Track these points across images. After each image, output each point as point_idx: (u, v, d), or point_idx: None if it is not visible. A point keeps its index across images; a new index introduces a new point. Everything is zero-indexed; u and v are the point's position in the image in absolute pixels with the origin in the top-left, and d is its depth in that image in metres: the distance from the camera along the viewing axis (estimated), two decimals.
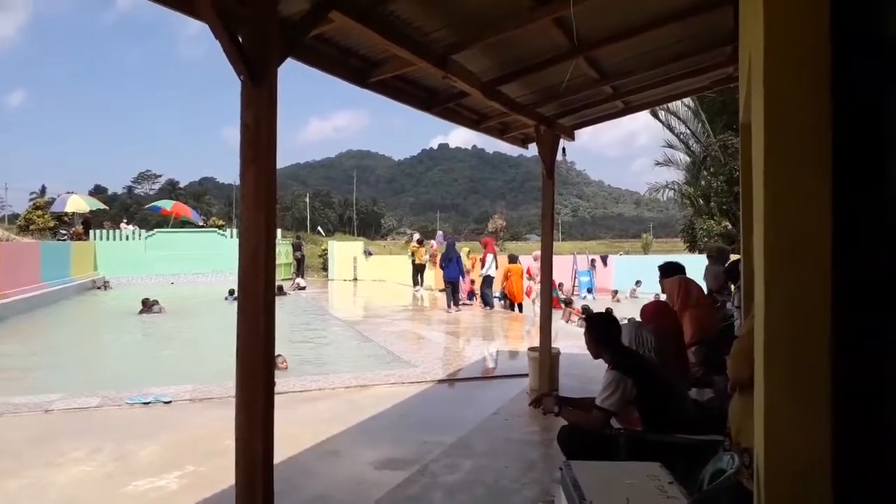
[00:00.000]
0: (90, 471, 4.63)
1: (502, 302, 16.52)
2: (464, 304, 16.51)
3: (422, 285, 20.51)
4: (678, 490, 2.35)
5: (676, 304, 5.15)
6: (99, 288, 21.60)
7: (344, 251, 27.69)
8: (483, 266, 16.08)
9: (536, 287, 15.27)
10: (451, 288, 15.65)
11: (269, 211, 2.69)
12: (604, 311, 14.76)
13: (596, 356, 3.78)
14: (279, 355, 8.27)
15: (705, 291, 5.51)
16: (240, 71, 2.67)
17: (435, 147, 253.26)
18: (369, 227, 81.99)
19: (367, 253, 27.70)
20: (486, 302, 15.86)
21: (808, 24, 1.61)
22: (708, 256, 7.50)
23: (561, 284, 17.57)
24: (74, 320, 16.18)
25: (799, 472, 1.68)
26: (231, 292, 16.43)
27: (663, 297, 5.62)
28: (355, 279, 26.10)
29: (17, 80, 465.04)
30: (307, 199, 79.62)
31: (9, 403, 6.33)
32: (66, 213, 26.78)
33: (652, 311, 4.86)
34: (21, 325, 13.93)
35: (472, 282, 17.35)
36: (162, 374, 8.68)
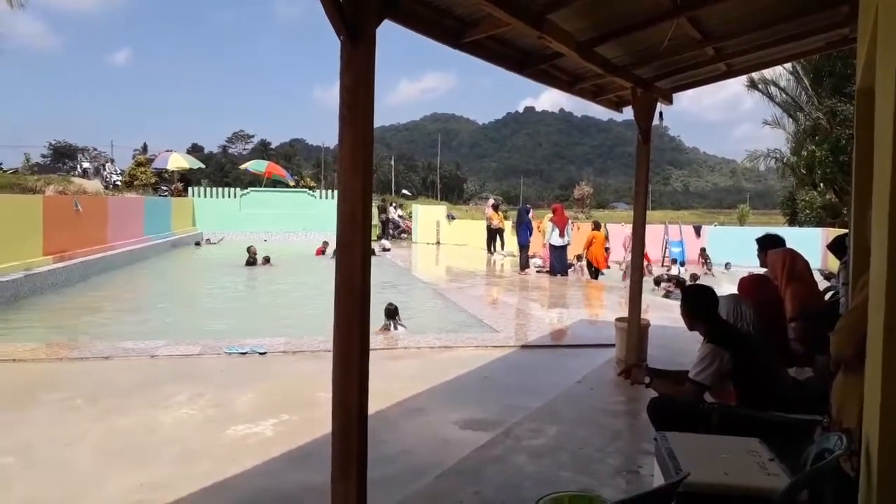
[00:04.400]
0: (193, 414, 4.95)
1: (578, 269, 16.38)
2: (542, 269, 16.47)
3: (503, 250, 20.58)
4: (779, 467, 2.27)
5: (781, 276, 4.90)
6: (197, 244, 22.79)
7: (427, 215, 27.91)
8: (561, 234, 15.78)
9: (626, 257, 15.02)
10: (522, 250, 16.73)
11: (365, 172, 2.72)
12: (689, 278, 14.30)
13: (691, 328, 3.68)
14: (399, 322, 8.45)
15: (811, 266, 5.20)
16: (339, 31, 2.67)
17: (521, 110, 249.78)
18: (452, 192, 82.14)
19: (450, 217, 27.83)
20: (553, 269, 15.73)
21: None
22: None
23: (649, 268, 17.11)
24: (175, 271, 17.29)
25: None
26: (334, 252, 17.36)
27: (761, 271, 5.36)
28: (438, 242, 26.33)
29: (122, 39, 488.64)
30: (392, 162, 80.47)
31: (119, 348, 6.83)
32: (167, 170, 28.22)
33: (751, 284, 4.66)
34: (128, 275, 14.94)
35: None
36: (259, 325, 9.13)
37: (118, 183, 25.90)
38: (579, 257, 16.70)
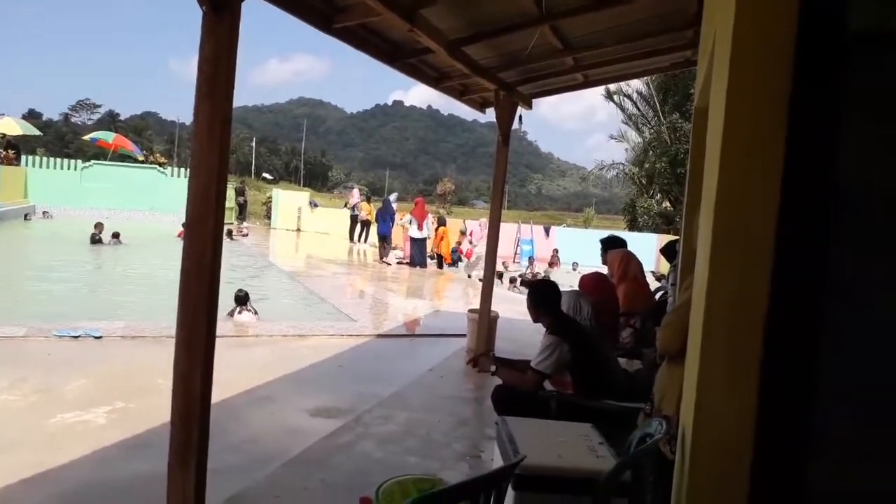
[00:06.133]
0: (13, 400, 4.52)
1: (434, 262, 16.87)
2: (402, 260, 16.66)
3: (366, 241, 20.55)
4: (607, 450, 2.46)
5: (616, 275, 5.30)
6: (26, 217, 20.61)
7: (289, 200, 27.12)
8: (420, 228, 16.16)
9: (475, 250, 15.61)
10: (383, 241, 16.99)
11: (222, 148, 2.62)
12: (541, 275, 15.11)
13: (535, 320, 3.88)
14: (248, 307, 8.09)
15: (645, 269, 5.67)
16: (202, 0, 2.56)
17: (390, 103, 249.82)
18: (316, 179, 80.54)
19: (313, 204, 27.23)
20: (413, 261, 16.12)
21: (778, 15, 1.66)
22: None
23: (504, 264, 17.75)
24: (2, 247, 15.53)
25: (724, 444, 1.78)
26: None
27: (604, 270, 5.76)
28: (299, 230, 25.67)
29: None
30: (253, 144, 77.42)
31: None
32: None
33: (591, 281, 4.99)
34: None
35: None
36: (99, 308, 8.47)
37: None
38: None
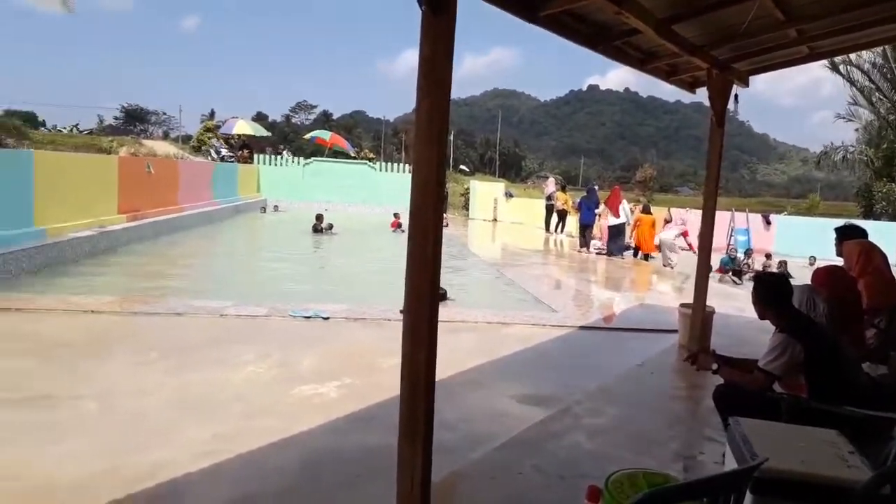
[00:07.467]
0: (260, 372, 5.14)
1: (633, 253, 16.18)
2: (601, 251, 16.26)
3: (562, 231, 20.42)
4: (860, 460, 2.22)
5: (855, 269, 4.71)
6: (263, 209, 23.39)
7: (485, 191, 27.81)
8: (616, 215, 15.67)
9: (660, 236, 14.85)
10: (585, 230, 16.65)
11: (440, 144, 2.73)
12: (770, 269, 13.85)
13: (762, 317, 3.59)
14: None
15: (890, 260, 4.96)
16: (421, 0, 2.68)
17: (585, 88, 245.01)
18: (510, 169, 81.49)
19: (508, 195, 27.64)
20: (610, 251, 15.65)
21: None
22: None
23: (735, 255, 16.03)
24: (242, 235, 17.86)
25: None
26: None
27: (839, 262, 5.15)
28: (495, 220, 26.23)
29: (192, 4, 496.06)
30: (451, 137, 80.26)
31: (189, 305, 7.11)
32: (233, 136, 28.91)
33: (826, 275, 4.49)
34: (197, 236, 15.48)
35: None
36: (319, 290, 9.36)
37: (226, 157, 26.80)
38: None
